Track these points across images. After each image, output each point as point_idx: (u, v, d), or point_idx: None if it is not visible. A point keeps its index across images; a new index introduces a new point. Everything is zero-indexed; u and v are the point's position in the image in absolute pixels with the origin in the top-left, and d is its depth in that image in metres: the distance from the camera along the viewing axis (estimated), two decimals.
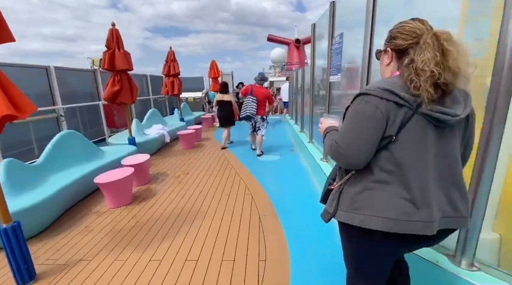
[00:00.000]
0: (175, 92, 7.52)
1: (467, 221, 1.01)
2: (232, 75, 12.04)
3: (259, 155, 5.32)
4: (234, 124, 6.12)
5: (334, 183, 1.17)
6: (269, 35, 39.88)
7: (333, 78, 3.24)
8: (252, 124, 5.37)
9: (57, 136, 3.62)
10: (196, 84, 12.73)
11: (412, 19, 1.00)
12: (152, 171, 4.57)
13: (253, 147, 5.78)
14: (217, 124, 9.54)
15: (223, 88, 5.95)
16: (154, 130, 6.02)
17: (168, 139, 6.22)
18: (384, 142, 0.96)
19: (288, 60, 36.39)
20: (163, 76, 7.67)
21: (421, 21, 0.98)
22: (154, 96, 9.78)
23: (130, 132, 4.95)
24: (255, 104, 5.01)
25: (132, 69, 4.60)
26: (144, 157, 4.00)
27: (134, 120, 5.65)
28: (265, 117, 5.31)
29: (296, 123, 7.71)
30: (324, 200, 1.25)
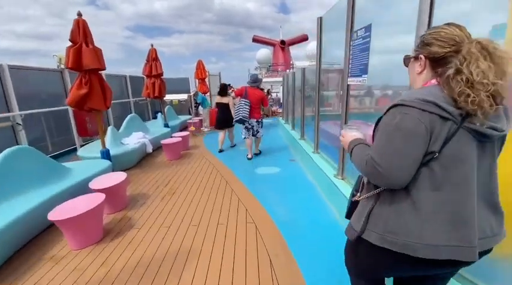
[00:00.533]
0: (158, 94, 6.68)
1: (500, 239, 0.94)
2: (219, 75, 11.31)
3: (256, 154, 5.34)
4: (233, 126, 5.80)
5: (359, 194, 1.13)
6: (254, 35, 39.78)
7: (354, 80, 2.65)
8: (247, 128, 5.06)
9: (4, 154, 2.78)
10: (181, 85, 11.87)
11: (447, 24, 0.91)
12: (131, 191, 3.79)
13: (249, 156, 5.25)
14: (206, 129, 8.79)
15: (222, 90, 5.74)
16: (134, 139, 5.21)
17: (150, 149, 5.41)
18: (424, 159, 0.87)
19: (274, 61, 36.32)
20: (145, 77, 6.82)
21: (459, 27, 0.89)
22: (135, 99, 8.87)
23: (103, 143, 4.13)
24: (247, 107, 4.80)
25: (104, 68, 3.80)
26: (119, 177, 3.22)
27: (110, 128, 4.81)
28: (260, 120, 5.09)
29: (293, 128, 7.12)
30: (349, 215, 1.18)
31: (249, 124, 4.99)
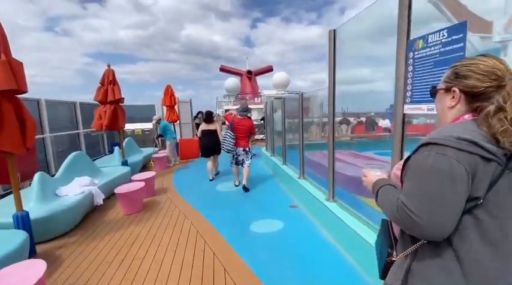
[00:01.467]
0: (115, 124, 5.28)
1: None
2: (191, 102, 10.16)
3: (245, 187, 4.86)
4: (220, 153, 5.67)
5: (395, 253, 0.94)
6: (221, 65, 40.38)
7: (417, 108, 1.76)
8: (234, 157, 5.00)
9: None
10: (146, 113, 10.44)
11: (484, 56, 0.82)
12: (64, 277, 2.34)
13: (236, 183, 5.22)
14: (173, 164, 7.41)
15: (208, 117, 5.77)
16: (76, 187, 3.72)
17: (100, 200, 3.92)
18: (467, 206, 0.75)
19: (241, 89, 36.91)
20: (99, 103, 5.41)
21: (498, 59, 0.80)
22: (86, 130, 7.25)
23: (18, 203, 2.65)
24: (232, 140, 4.82)
25: (23, 90, 2.49)
26: (35, 271, 1.83)
27: (37, 176, 3.31)
28: (248, 149, 4.97)
29: (284, 162, 6.12)
30: (384, 275, 0.99)
31: (236, 153, 4.95)
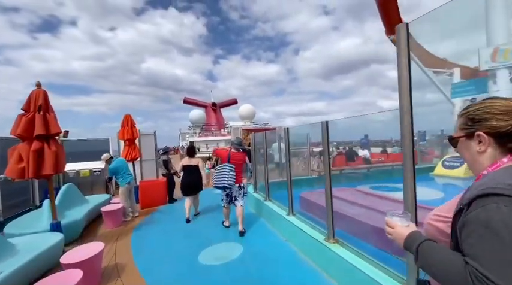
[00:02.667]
0: (45, 170, 3.47)
1: None
2: (155, 135, 8.45)
3: (241, 232, 4.20)
4: (201, 190, 5.35)
5: None
6: (185, 97, 39.66)
7: None
8: (228, 195, 4.40)
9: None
10: (98, 148, 8.43)
11: (490, 98, 0.83)
12: None
13: (226, 224, 4.65)
14: (130, 217, 5.54)
15: (191, 151, 5.38)
16: None
17: None
18: None
19: (207, 121, 36.16)
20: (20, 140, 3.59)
21: (504, 98, 0.81)
22: (2, 176, 5.09)
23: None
24: (234, 173, 4.22)
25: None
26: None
27: None
28: (242, 185, 4.42)
29: (268, 198, 4.80)
30: None
31: (230, 191, 4.37)
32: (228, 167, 4.21)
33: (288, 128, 4.14)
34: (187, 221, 4.98)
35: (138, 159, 6.69)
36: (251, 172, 6.14)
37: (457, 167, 7.43)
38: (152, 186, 6.31)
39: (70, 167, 7.10)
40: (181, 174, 5.23)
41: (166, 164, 6.52)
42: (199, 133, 31.77)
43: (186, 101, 38.45)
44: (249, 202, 5.91)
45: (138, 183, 6.45)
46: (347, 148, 11.68)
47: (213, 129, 33.62)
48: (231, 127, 28.97)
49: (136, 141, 6.82)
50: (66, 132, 7.68)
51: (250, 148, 7.03)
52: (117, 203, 5.44)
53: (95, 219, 5.33)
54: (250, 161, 6.15)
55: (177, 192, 7.57)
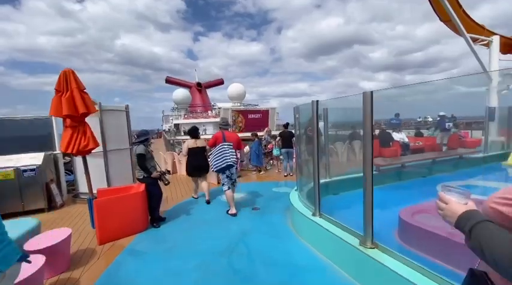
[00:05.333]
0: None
1: None
2: (127, 111, 5.28)
3: (235, 214, 4.00)
4: (208, 171, 4.71)
5: None
6: (167, 76, 36.67)
7: None
8: (228, 177, 4.02)
9: None
10: (36, 131, 5.26)
11: None
12: None
13: (233, 211, 4.04)
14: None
15: (194, 132, 4.66)
16: None
17: None
18: None
19: (192, 102, 33.07)
20: None
21: None
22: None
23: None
24: (233, 150, 3.99)
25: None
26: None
27: None
28: (237, 166, 4.30)
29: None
30: None
31: (229, 172, 4.05)
32: (225, 146, 3.96)
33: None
34: (208, 202, 4.73)
35: (94, 150, 3.64)
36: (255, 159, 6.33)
37: None
38: (118, 202, 3.38)
39: None
40: (186, 159, 4.73)
41: (143, 161, 3.59)
42: (185, 115, 28.53)
43: (168, 81, 35.24)
44: (284, 213, 3.51)
45: (92, 195, 3.51)
46: (379, 131, 9.10)
47: (198, 111, 30.69)
48: (219, 108, 25.98)
49: (91, 120, 3.77)
50: None
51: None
52: (46, 240, 2.56)
53: None
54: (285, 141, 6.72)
55: (173, 200, 4.83)
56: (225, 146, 3.96)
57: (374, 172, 2.26)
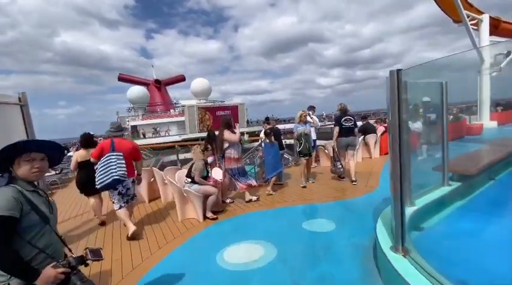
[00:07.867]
0: None
1: None
2: (22, 103, 2.29)
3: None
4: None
5: None
6: (120, 74, 32.64)
7: None
8: (121, 194, 3.18)
9: None
10: None
11: None
12: None
13: (130, 233, 3.19)
14: None
15: (88, 141, 3.79)
16: None
17: None
18: None
19: (151, 101, 29.26)
20: None
21: None
22: None
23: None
24: (123, 162, 3.10)
25: None
26: None
27: None
28: (135, 180, 3.40)
29: None
30: None
31: (123, 187, 3.20)
32: (113, 156, 3.11)
33: None
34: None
35: None
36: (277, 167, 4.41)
37: None
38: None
39: None
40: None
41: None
42: (143, 115, 24.67)
43: (122, 78, 31.19)
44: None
45: None
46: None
47: (159, 110, 27.03)
48: (183, 106, 22.85)
49: None
50: None
51: (236, 130, 4.04)
52: None
53: None
54: (277, 139, 4.71)
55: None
56: (113, 157, 3.15)
57: None
